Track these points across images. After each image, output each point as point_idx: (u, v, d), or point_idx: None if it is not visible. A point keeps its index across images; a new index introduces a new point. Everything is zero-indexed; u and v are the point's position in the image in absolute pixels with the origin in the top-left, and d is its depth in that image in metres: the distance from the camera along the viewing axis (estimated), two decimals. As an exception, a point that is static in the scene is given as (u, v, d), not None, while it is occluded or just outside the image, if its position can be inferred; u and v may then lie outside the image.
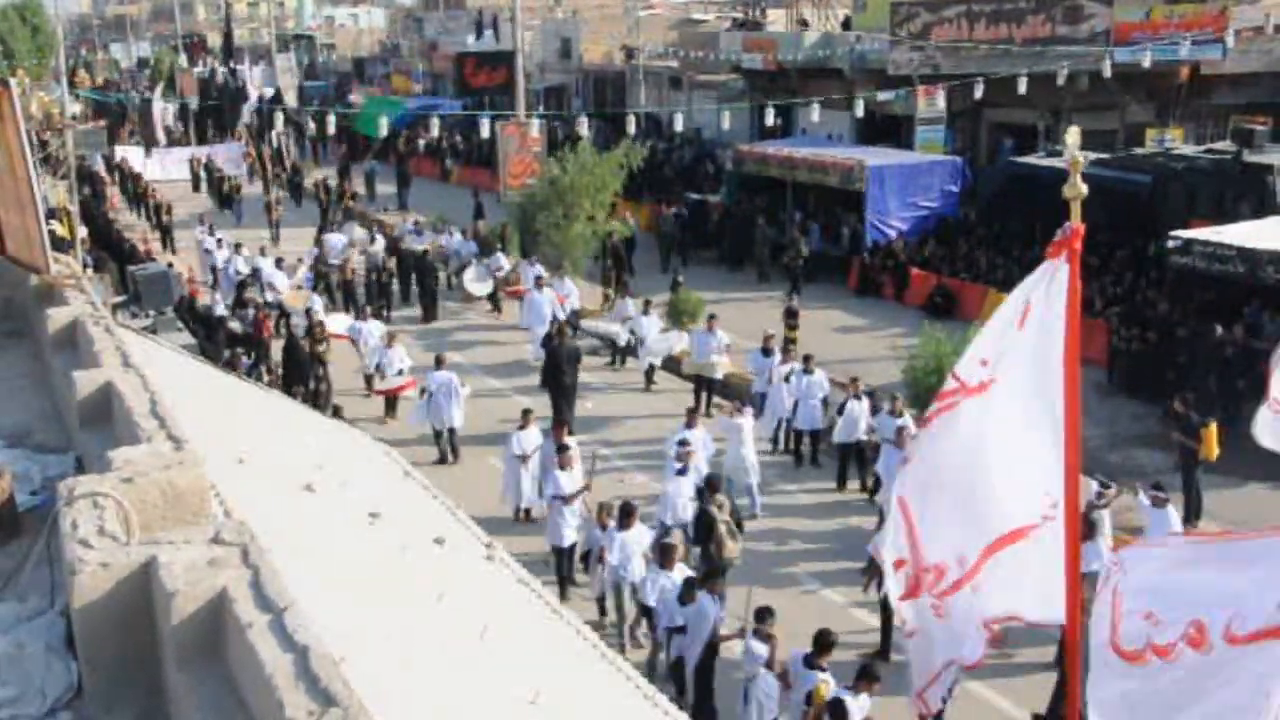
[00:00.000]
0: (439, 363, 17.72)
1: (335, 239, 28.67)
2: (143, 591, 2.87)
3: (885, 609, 11.35)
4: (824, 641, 9.44)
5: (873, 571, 10.98)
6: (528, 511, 14.87)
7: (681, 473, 13.44)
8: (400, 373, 19.06)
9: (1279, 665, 5.09)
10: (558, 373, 18.01)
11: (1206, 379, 17.36)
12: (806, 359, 17.28)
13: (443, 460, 17.15)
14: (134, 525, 3.09)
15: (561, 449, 13.46)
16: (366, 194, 40.08)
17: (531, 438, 14.88)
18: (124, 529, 3.06)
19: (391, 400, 19.03)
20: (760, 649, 9.66)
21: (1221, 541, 6.11)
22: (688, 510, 13.06)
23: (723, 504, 12.63)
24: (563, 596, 12.48)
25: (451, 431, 17.30)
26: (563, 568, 13.08)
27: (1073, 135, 5.91)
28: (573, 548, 13.14)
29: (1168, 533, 12.19)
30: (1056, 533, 5.91)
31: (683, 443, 13.91)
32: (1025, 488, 6.01)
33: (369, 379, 20.12)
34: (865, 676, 9.02)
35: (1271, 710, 5.11)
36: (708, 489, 12.77)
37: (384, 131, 31.23)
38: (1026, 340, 5.86)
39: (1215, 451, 14.52)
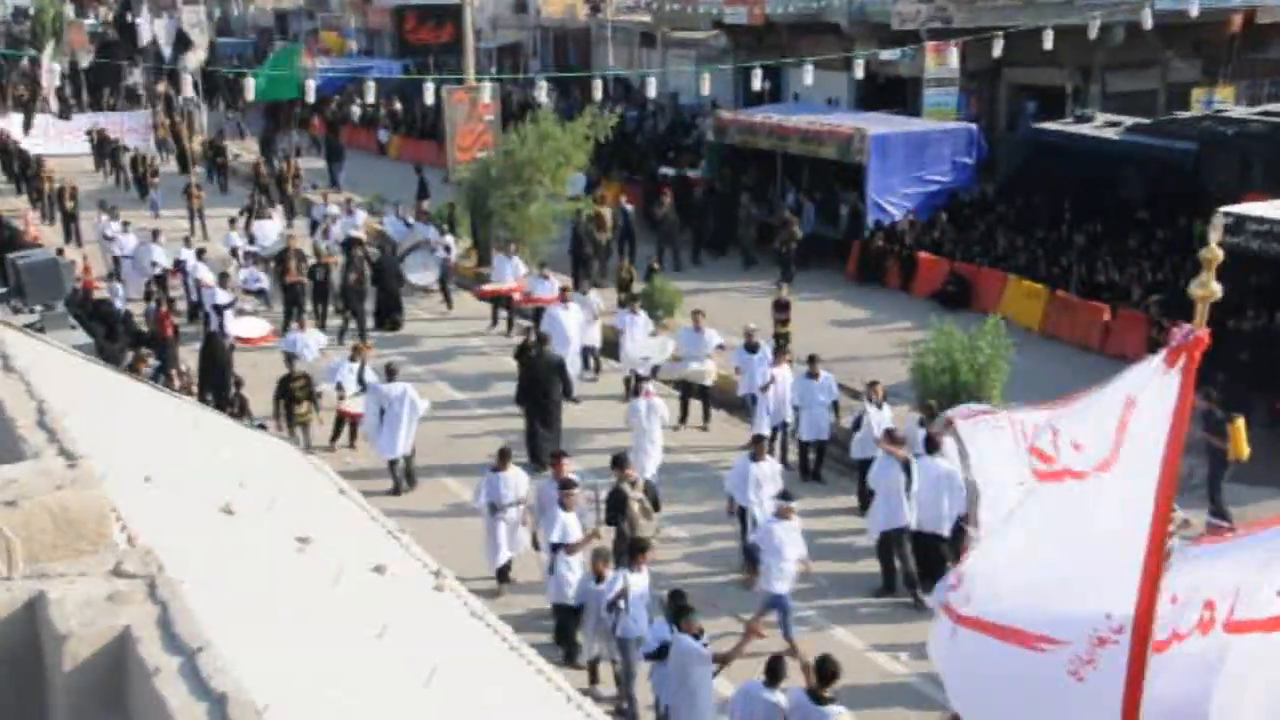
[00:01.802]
0: (390, 374, 16.98)
1: (270, 226, 28.21)
2: (29, 633, 2.82)
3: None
4: (827, 671, 9.41)
5: None
6: (504, 570, 14.02)
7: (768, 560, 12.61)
8: (362, 389, 17.90)
9: (1259, 659, 5.31)
10: (535, 388, 17.54)
11: (1258, 373, 17.52)
12: (811, 360, 17.09)
13: (396, 491, 16.59)
14: (18, 556, 3.04)
15: (566, 485, 12.85)
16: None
17: (513, 483, 13.90)
18: (6, 561, 3.01)
19: (342, 421, 18.22)
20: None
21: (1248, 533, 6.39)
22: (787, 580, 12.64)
23: (635, 481, 13.73)
24: (569, 659, 12.16)
25: (408, 458, 16.72)
26: (570, 630, 12.48)
27: (1217, 226, 5.81)
28: (582, 607, 12.31)
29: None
30: (1117, 661, 5.89)
31: (785, 495, 13.30)
32: (1080, 599, 6.04)
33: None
34: None
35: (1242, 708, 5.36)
36: (615, 467, 13.74)
37: (310, 96, 30.93)
38: (1125, 446, 5.86)
39: (1245, 450, 14.67)
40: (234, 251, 26.21)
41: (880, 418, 15.61)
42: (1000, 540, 6.42)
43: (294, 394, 17.44)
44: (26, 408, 4.01)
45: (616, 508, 13.16)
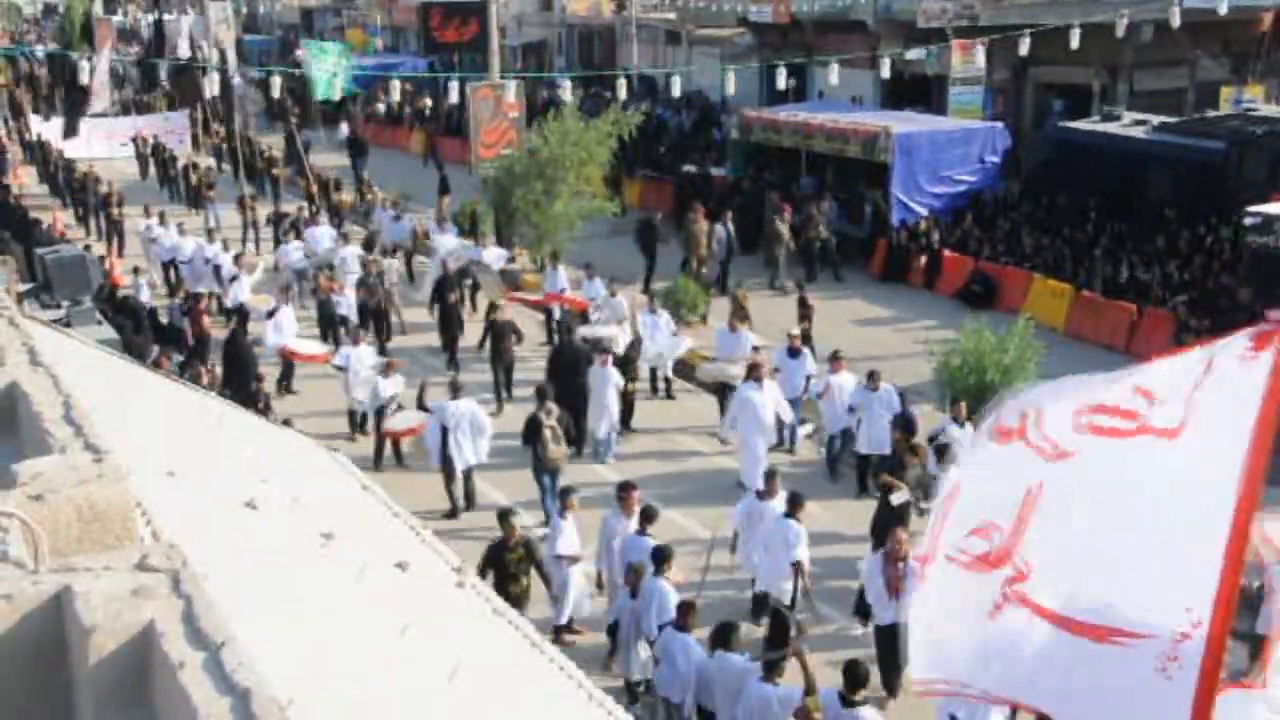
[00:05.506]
0: (455, 390, 16.25)
1: (321, 231, 26.92)
2: (54, 627, 2.84)
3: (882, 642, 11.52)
4: (857, 674, 9.39)
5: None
6: (567, 626, 12.94)
7: None
8: (399, 407, 17.46)
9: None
10: (562, 376, 17.35)
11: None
12: (871, 375, 16.37)
13: (454, 514, 15.94)
14: (44, 550, 3.06)
15: (647, 513, 12.39)
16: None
17: (573, 532, 12.84)
18: (32, 555, 3.03)
19: (383, 444, 17.58)
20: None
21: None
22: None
23: (550, 410, 15.53)
24: (645, 693, 11.68)
25: (468, 475, 16.05)
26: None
27: None
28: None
29: None
30: (1192, 658, 5.54)
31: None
32: (1159, 588, 5.80)
33: (354, 417, 18.74)
34: None
35: None
36: (537, 397, 15.75)
37: (337, 93, 30.98)
38: (1195, 415, 5.62)
39: None
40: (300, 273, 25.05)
41: (964, 436, 14.62)
42: (1061, 514, 5.89)
43: (508, 567, 12.24)
44: (53, 403, 4.02)
45: (532, 433, 15.40)
